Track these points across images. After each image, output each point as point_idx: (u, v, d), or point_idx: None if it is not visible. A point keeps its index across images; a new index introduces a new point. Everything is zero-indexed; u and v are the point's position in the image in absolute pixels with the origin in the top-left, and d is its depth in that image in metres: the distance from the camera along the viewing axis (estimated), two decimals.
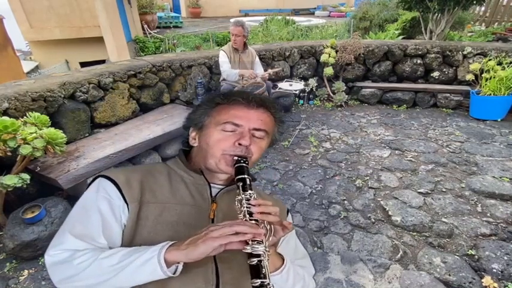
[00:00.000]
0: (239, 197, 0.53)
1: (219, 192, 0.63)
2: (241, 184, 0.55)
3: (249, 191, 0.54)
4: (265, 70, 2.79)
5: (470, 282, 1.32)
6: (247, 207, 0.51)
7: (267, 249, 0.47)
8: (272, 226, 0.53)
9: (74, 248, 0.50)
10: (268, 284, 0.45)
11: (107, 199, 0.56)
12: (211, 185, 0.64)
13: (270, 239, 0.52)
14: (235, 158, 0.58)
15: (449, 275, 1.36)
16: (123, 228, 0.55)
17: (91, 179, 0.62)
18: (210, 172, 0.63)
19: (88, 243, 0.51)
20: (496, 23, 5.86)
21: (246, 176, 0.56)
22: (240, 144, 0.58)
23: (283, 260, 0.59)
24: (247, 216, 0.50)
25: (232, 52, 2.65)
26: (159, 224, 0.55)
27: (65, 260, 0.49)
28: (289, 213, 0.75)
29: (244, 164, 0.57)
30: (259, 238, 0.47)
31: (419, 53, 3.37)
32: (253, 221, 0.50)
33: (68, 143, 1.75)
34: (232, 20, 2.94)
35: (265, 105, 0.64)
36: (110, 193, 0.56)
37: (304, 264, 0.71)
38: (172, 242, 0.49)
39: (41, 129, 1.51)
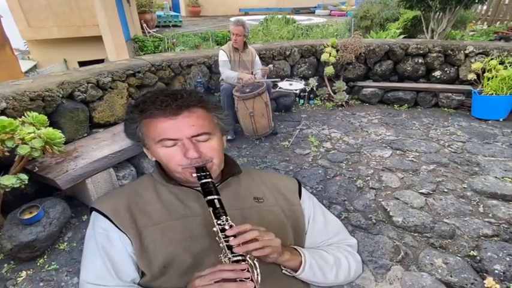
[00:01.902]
0: (214, 229, 0.48)
1: None
2: (211, 209, 0.50)
3: (222, 218, 0.48)
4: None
5: (472, 284, 1.31)
6: (225, 242, 0.46)
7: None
8: (260, 255, 0.49)
9: None
10: None
11: (103, 234, 0.54)
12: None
13: (258, 271, 0.47)
14: (195, 174, 0.54)
15: (451, 276, 1.35)
16: (134, 258, 0.53)
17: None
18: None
19: (106, 286, 0.52)
20: (498, 22, 5.82)
21: (214, 197, 0.51)
22: (188, 157, 0.54)
23: (302, 255, 0.56)
24: (228, 251, 0.45)
25: (232, 51, 2.63)
26: (167, 245, 0.53)
27: None
28: (301, 187, 0.68)
29: (207, 180, 0.53)
30: (247, 278, 0.42)
31: (421, 52, 3.35)
32: (236, 257, 0.45)
33: (66, 143, 1.73)
34: (232, 19, 2.92)
35: (185, 105, 0.55)
36: (104, 226, 0.55)
37: (340, 239, 0.66)
38: None
39: (39, 129, 1.50)
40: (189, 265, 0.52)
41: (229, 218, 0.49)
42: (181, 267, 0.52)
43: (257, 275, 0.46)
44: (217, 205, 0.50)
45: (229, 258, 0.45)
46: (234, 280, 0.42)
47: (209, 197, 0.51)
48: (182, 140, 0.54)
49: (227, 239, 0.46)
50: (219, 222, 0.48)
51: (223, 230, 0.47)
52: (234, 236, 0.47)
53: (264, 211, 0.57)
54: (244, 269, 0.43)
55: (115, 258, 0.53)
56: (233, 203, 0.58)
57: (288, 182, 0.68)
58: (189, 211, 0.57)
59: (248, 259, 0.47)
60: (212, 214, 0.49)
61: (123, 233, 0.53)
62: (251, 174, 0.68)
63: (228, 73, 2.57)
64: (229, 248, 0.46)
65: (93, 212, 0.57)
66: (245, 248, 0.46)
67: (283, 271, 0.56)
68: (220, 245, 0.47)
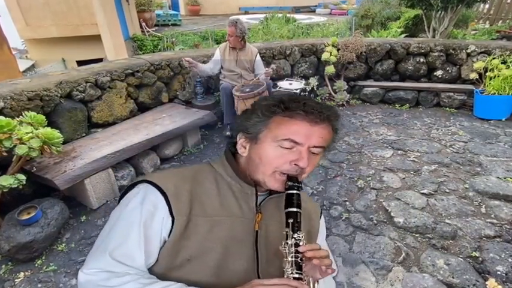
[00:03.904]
0: (288, 241, 0.50)
1: (263, 200, 0.60)
2: (291, 221, 0.51)
3: (298, 233, 0.50)
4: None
5: (474, 285, 1.30)
6: (295, 257, 0.48)
7: None
8: (313, 276, 0.52)
9: (111, 270, 0.48)
10: None
11: (150, 212, 0.52)
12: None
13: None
14: (289, 183, 0.55)
15: (453, 277, 1.34)
16: (163, 243, 0.52)
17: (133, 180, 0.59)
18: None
19: (126, 265, 0.49)
20: (500, 21, 5.80)
21: (296, 210, 0.52)
22: (296, 164, 0.54)
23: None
24: (294, 267, 0.47)
25: (228, 50, 2.60)
26: (208, 240, 0.53)
27: (101, 283, 0.47)
28: (321, 215, 0.71)
29: (296, 192, 0.54)
30: None
31: (422, 51, 3.33)
32: (297, 274, 0.47)
33: (64, 143, 1.72)
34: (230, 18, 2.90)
35: (329, 118, 0.57)
36: (156, 204, 0.53)
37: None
38: None
39: (37, 129, 1.49)
40: (216, 264, 0.52)
41: (304, 235, 0.51)
42: (207, 264, 0.52)
43: None
44: (298, 219, 0.52)
45: (291, 273, 0.47)
46: None
47: (292, 209, 0.52)
48: (304, 146, 0.54)
49: (297, 254, 0.48)
50: (295, 235, 0.50)
51: (296, 245, 0.49)
52: (301, 253, 0.49)
53: None
54: None
55: (151, 237, 0.51)
56: (273, 214, 0.60)
57: (315, 206, 0.72)
58: (240, 212, 0.58)
59: (310, 281, 0.50)
60: (290, 227, 0.51)
61: (172, 217, 0.52)
62: None
63: (201, 68, 2.58)
64: (296, 263, 0.47)
65: (147, 185, 0.55)
66: (320, 261, 0.49)
67: None
68: (289, 258, 0.48)
